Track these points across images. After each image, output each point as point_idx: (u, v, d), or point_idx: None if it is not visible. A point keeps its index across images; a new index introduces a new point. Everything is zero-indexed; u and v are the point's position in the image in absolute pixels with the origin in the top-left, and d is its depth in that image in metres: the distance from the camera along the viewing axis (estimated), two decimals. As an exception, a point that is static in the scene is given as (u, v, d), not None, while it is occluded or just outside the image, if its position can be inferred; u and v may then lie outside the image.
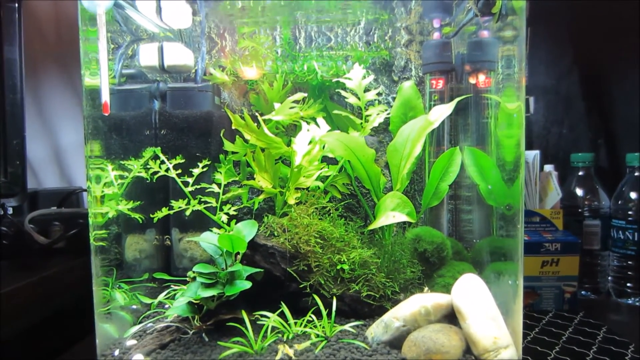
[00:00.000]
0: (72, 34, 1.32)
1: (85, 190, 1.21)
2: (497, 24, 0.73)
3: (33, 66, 1.28)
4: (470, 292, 0.62)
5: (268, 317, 0.67)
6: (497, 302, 0.62)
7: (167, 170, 0.75)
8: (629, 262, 1.03)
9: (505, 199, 0.79)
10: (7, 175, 0.99)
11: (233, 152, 0.85)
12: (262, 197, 0.80)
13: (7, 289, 0.72)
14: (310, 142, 0.79)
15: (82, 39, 0.62)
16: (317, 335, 0.64)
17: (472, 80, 0.85)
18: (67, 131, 1.38)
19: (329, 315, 0.67)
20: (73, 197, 1.18)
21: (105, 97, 0.59)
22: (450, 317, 0.63)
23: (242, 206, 0.85)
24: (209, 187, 0.77)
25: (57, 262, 0.90)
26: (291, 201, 0.77)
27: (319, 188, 0.83)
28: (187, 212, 0.74)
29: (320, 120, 0.82)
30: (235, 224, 0.76)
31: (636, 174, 1.04)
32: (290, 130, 0.91)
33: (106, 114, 0.60)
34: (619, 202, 1.05)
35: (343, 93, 0.85)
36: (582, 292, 1.07)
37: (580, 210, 1.08)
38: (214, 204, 0.76)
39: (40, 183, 1.35)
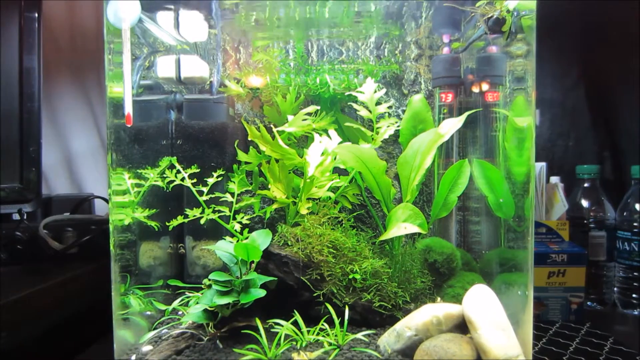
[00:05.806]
0: (85, 43, 1.37)
1: (98, 197, 1.23)
2: (506, 40, 0.75)
3: (46, 74, 1.30)
4: (481, 303, 0.64)
5: (281, 325, 0.68)
6: (507, 312, 0.64)
7: (182, 179, 0.77)
8: (635, 273, 1.04)
9: (514, 211, 0.81)
10: (23, 181, 1.01)
11: (246, 163, 0.86)
12: (274, 206, 0.82)
13: (23, 294, 0.74)
14: (322, 154, 0.81)
15: (107, 52, 0.64)
16: (330, 344, 0.66)
17: (477, 91, 0.87)
18: (78, 138, 1.40)
19: (341, 323, 0.68)
20: (85, 204, 1.20)
21: (129, 109, 0.61)
22: (462, 326, 0.64)
23: (254, 215, 0.87)
24: (223, 197, 0.79)
25: (71, 267, 0.91)
26: (303, 211, 0.79)
27: (330, 198, 0.84)
28: (202, 221, 0.75)
29: (332, 132, 0.84)
30: (247, 233, 0.78)
31: (641, 186, 1.05)
32: (301, 142, 0.93)
33: (129, 125, 0.62)
34: (624, 213, 1.06)
35: (355, 106, 0.87)
36: (588, 303, 1.08)
37: (585, 221, 1.10)
38: (227, 213, 0.78)
39: (50, 189, 1.37)
